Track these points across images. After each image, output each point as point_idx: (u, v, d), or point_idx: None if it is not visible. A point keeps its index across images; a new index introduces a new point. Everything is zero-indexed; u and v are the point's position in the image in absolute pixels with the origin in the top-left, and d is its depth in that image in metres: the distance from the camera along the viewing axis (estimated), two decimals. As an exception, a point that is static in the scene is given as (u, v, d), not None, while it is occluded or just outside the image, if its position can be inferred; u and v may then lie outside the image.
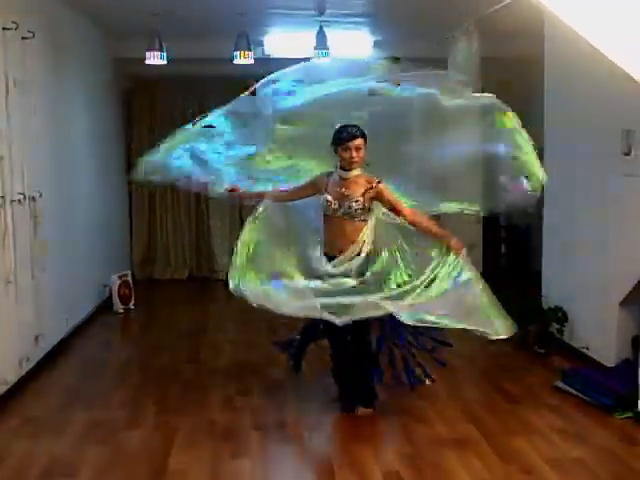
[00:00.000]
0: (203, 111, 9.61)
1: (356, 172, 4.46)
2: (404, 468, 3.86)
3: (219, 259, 9.74)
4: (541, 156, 6.37)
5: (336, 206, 4.43)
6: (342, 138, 4.42)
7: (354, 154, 4.40)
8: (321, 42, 7.20)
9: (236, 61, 7.10)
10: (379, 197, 4.46)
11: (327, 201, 4.45)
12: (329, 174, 4.55)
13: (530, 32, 6.63)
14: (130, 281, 8.04)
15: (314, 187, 4.60)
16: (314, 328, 4.90)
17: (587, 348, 5.55)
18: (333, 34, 7.43)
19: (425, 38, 8.46)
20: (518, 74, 8.94)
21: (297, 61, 8.11)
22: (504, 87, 8.93)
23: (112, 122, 8.79)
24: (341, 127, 4.47)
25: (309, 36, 7.33)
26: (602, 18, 3.94)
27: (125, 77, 9.39)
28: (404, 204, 4.48)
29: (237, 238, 4.67)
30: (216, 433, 4.37)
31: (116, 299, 7.74)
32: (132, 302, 7.94)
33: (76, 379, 5.47)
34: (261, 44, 8.48)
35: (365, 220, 4.46)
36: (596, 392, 4.71)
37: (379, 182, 4.44)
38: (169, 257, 9.88)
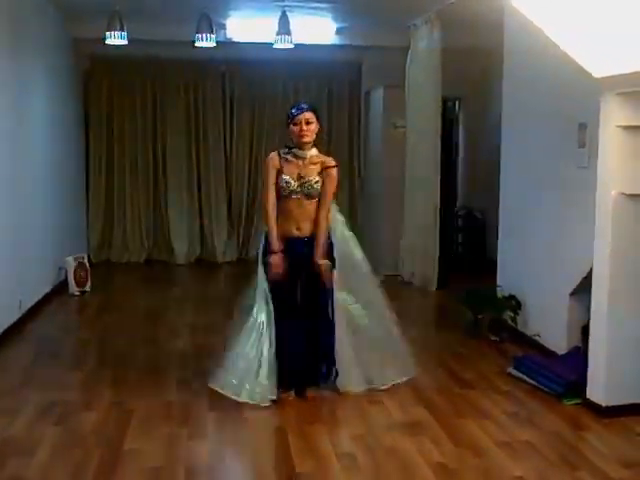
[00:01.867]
0: (163, 93, 9.67)
1: (313, 152, 4.55)
2: (358, 450, 3.92)
3: (176, 243, 9.71)
4: (498, 148, 6.52)
5: (296, 187, 4.48)
6: (292, 113, 4.52)
7: (304, 127, 4.46)
8: (283, 27, 7.18)
9: (198, 44, 7.05)
10: (324, 178, 4.54)
11: (287, 182, 4.48)
12: (279, 154, 4.57)
13: (490, 23, 6.72)
14: (86, 263, 7.98)
15: (275, 168, 4.56)
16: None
17: (539, 336, 5.67)
18: (296, 19, 7.42)
19: (388, 27, 8.53)
20: (476, 64, 9.07)
21: (259, 45, 8.18)
22: (464, 77, 9.12)
23: (70, 103, 8.68)
24: (292, 106, 4.64)
25: (272, 21, 7.31)
26: (559, 13, 4.03)
27: (84, 57, 9.27)
28: (329, 202, 4.60)
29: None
30: (172, 415, 4.38)
31: (72, 281, 7.67)
32: (88, 285, 7.87)
33: (31, 361, 5.42)
34: (223, 27, 8.46)
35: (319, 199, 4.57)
36: (546, 378, 4.82)
37: (335, 166, 4.57)
38: (126, 240, 9.79)
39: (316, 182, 4.50)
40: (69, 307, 7.34)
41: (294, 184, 4.47)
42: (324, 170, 4.54)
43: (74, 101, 8.91)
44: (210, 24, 6.98)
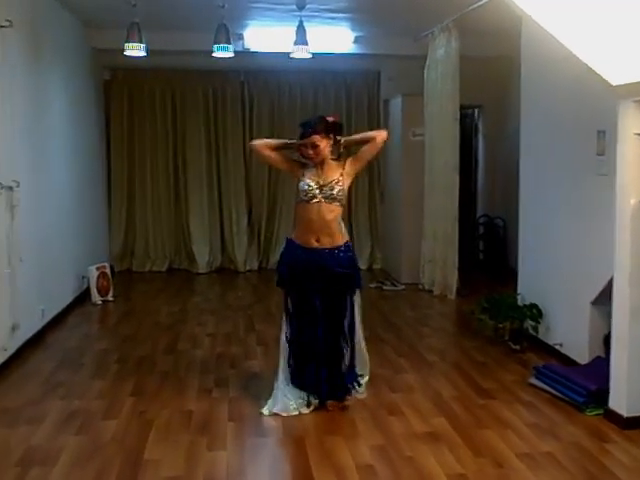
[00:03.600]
0: (183, 103, 9.74)
1: (328, 161, 4.52)
2: (377, 461, 3.91)
3: (197, 252, 9.75)
4: (518, 156, 6.48)
5: (317, 191, 4.45)
6: (300, 134, 4.51)
7: (310, 152, 4.46)
8: (300, 37, 7.20)
9: (215, 54, 7.08)
10: (355, 160, 4.57)
11: (308, 186, 4.46)
12: (304, 164, 4.57)
13: (508, 31, 6.70)
14: (108, 272, 8.04)
15: (293, 166, 4.62)
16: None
17: (561, 345, 5.62)
18: (313, 29, 7.44)
19: (405, 35, 8.54)
20: (495, 72, 9.06)
21: (277, 55, 8.22)
22: (483, 85, 9.11)
23: (91, 113, 8.77)
24: (301, 123, 4.58)
25: (289, 31, 7.33)
26: (574, 20, 4.01)
27: (104, 68, 9.36)
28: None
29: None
30: (192, 424, 4.39)
31: (94, 290, 7.73)
32: (110, 294, 7.94)
33: (53, 369, 5.46)
34: (241, 37, 8.50)
35: (342, 204, 4.55)
36: (568, 389, 4.78)
37: (346, 158, 4.57)
38: (148, 249, 9.86)
39: (337, 182, 4.46)
40: (91, 316, 7.39)
41: (315, 187, 4.45)
42: (344, 167, 4.52)
43: (95, 111, 8.99)
44: (228, 34, 7.00)
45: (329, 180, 4.47)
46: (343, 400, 4.68)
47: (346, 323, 4.62)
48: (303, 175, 4.52)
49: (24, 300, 5.77)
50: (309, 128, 4.49)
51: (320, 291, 4.56)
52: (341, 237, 4.60)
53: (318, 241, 4.51)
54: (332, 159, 4.54)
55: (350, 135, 4.75)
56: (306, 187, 4.47)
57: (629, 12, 3.67)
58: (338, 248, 4.56)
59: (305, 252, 4.54)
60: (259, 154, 4.74)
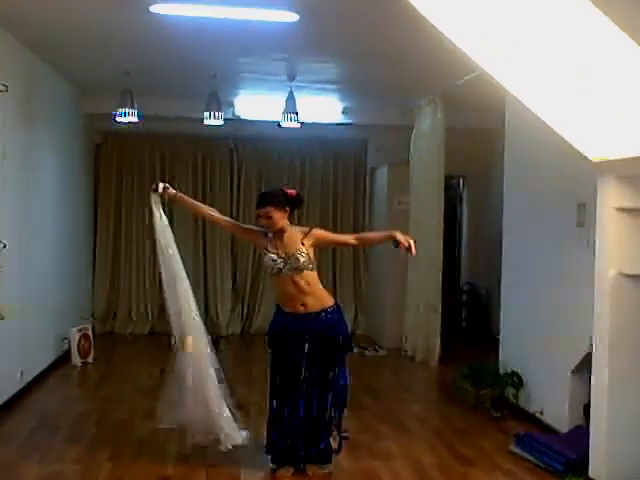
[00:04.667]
0: (173, 168, 9.78)
1: (290, 230, 4.56)
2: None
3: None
4: (501, 226, 6.58)
5: (282, 265, 4.46)
6: (255, 205, 4.60)
7: (264, 221, 4.52)
8: (290, 107, 7.37)
9: (206, 122, 7.23)
10: (319, 241, 4.59)
11: (273, 260, 4.48)
12: (266, 233, 4.59)
13: (493, 104, 6.88)
14: (90, 335, 7.99)
15: (256, 237, 4.69)
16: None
17: (541, 413, 5.63)
18: (303, 99, 7.63)
19: (393, 106, 8.73)
20: (480, 144, 9.24)
21: (267, 123, 8.38)
22: (468, 156, 9.27)
23: (81, 177, 8.84)
24: (259, 193, 4.77)
25: (279, 100, 7.50)
26: (555, 98, 4.14)
27: (96, 131, 9.47)
28: (343, 235, 4.66)
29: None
30: (169, 490, 4.34)
31: (75, 352, 7.66)
32: (91, 356, 7.87)
33: (30, 432, 5.38)
34: (232, 105, 8.67)
35: (313, 269, 4.53)
36: (548, 457, 4.77)
37: (312, 228, 4.61)
38: (131, 312, 9.81)
39: (301, 253, 4.44)
40: (71, 378, 7.31)
41: (279, 261, 4.46)
42: (306, 237, 4.50)
43: (84, 174, 9.07)
44: (218, 103, 7.17)
45: (291, 251, 4.47)
46: (324, 465, 4.63)
47: (337, 386, 4.60)
48: (266, 246, 4.54)
49: (3, 361, 5.72)
50: (264, 199, 4.56)
51: (307, 356, 4.52)
52: (327, 299, 4.61)
53: (304, 305, 4.51)
54: (294, 229, 4.58)
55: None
56: (270, 262, 4.50)
57: (607, 92, 3.80)
58: (326, 310, 4.55)
59: (293, 317, 4.54)
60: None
